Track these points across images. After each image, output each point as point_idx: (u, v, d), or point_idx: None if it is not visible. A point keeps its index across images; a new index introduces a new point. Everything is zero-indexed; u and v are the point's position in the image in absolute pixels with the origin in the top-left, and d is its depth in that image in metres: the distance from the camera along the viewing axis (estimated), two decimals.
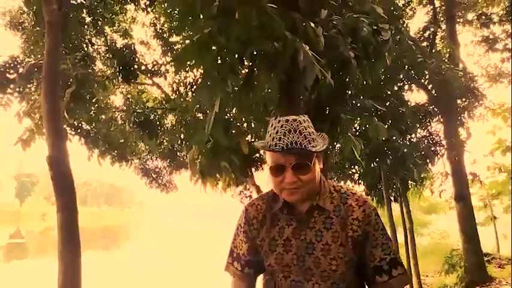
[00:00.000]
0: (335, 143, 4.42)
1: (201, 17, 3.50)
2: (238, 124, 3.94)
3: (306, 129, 1.25)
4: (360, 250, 1.29)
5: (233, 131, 3.76)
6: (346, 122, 4.38)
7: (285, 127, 1.22)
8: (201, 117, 5.58)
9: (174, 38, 8.54)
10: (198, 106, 5.26)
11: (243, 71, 3.28)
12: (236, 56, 3.09)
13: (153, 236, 50.59)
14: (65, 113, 6.06)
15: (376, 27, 4.50)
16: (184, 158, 9.44)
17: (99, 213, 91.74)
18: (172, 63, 4.29)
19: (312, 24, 3.26)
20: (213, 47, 3.01)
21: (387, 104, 8.97)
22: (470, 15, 12.31)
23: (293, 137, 1.21)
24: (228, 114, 3.84)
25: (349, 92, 4.57)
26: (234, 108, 3.48)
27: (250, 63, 3.23)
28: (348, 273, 1.28)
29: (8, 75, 6.54)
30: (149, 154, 11.65)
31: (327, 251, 1.26)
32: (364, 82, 7.82)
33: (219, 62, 3.00)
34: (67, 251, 3.70)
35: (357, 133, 4.99)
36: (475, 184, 12.95)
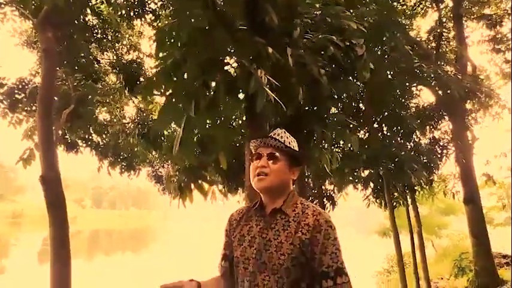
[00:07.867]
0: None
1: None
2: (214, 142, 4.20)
3: (286, 135, 1.65)
4: (309, 254, 1.48)
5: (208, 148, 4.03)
6: (321, 135, 4.55)
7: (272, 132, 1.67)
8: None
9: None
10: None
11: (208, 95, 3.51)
12: (197, 83, 3.34)
13: (179, 238, 51.25)
14: (65, 131, 6.46)
15: (349, 44, 4.66)
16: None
17: (127, 215, 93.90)
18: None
19: (271, 50, 3.47)
20: (174, 78, 3.27)
21: (387, 110, 9.06)
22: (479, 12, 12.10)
23: (274, 134, 1.64)
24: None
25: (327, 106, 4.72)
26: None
27: (213, 89, 3.47)
28: (293, 270, 1.47)
29: (16, 95, 7.06)
30: (161, 162, 12.01)
31: (280, 248, 1.50)
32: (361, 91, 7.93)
33: (181, 89, 3.26)
34: (58, 261, 4.05)
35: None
36: (489, 185, 12.65)
